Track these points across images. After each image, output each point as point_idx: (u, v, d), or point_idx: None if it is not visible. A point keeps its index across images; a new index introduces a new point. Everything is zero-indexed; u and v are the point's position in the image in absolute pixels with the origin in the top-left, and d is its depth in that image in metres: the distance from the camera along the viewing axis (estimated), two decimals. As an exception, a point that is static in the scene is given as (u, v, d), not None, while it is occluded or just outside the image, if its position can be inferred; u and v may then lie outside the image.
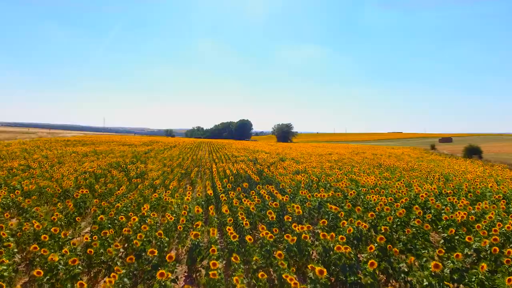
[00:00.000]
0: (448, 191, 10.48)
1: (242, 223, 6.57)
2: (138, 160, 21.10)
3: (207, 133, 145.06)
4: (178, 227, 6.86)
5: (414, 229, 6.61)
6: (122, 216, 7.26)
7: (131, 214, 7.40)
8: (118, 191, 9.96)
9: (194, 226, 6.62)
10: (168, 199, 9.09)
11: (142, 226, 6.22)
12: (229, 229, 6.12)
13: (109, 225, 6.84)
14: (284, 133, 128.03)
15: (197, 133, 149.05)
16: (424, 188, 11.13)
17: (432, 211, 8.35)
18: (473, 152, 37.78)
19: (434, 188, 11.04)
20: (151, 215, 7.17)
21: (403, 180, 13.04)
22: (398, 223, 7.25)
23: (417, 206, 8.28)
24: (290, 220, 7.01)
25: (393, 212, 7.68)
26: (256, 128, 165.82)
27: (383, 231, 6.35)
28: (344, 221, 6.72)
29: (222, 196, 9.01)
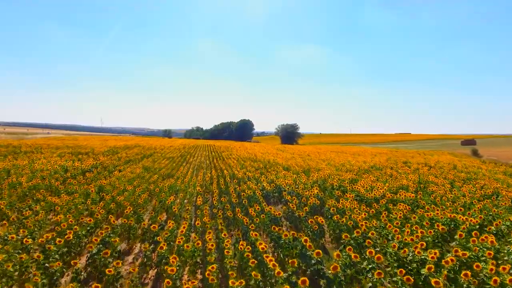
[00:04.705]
0: None
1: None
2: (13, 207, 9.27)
3: (206, 133, 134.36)
4: None
5: None
6: None
7: None
8: None
9: None
10: None
11: None
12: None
13: None
14: (289, 134, 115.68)
15: (196, 133, 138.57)
16: None
17: None
18: None
19: None
20: None
21: None
22: None
23: None
24: None
25: None
26: (257, 128, 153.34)
27: None
28: None
29: None
